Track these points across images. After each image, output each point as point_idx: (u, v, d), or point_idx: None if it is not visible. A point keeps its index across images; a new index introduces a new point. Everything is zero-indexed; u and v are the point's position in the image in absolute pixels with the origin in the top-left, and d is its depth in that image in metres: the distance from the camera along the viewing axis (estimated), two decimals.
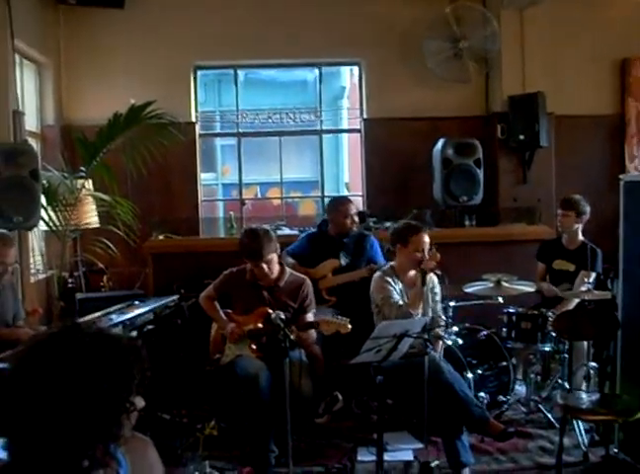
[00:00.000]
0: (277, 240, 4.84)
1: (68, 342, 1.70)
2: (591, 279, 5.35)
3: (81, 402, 1.64)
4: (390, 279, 4.93)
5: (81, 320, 4.40)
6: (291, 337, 3.89)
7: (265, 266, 4.72)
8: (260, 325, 4.71)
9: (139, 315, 4.64)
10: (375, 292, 4.96)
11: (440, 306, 5.14)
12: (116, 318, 4.44)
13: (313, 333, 4.83)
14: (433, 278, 5.04)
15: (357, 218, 6.05)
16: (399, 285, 4.94)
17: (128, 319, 4.48)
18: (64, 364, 1.66)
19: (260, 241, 4.67)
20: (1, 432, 1.70)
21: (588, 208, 5.78)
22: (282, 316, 4.16)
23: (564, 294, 5.42)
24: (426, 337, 4.12)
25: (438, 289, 5.11)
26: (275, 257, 4.79)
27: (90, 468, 1.69)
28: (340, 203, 6.11)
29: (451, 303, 5.36)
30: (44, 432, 1.64)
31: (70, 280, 6.64)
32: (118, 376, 1.70)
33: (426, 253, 4.84)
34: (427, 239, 4.90)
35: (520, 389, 5.55)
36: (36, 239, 6.57)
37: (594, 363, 4.84)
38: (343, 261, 5.91)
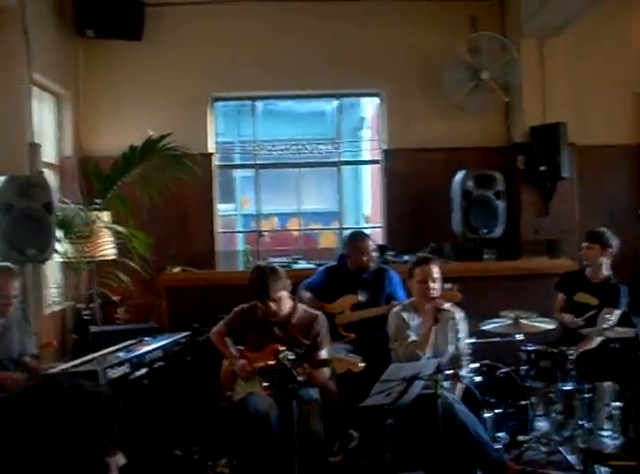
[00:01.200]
0: (286, 277, 4.75)
1: (41, 398, 1.62)
2: (613, 318, 5.17)
3: (54, 461, 1.56)
4: (406, 315, 4.82)
5: (84, 358, 4.35)
6: (299, 378, 3.80)
7: (272, 304, 4.64)
8: (271, 362, 4.60)
9: (148, 352, 4.56)
10: (390, 328, 4.87)
11: (464, 344, 4.94)
12: (123, 356, 4.37)
13: (327, 370, 4.73)
14: (457, 315, 4.89)
15: (375, 254, 5.95)
16: (416, 321, 4.81)
17: (136, 356, 4.41)
18: (34, 422, 1.57)
19: (267, 279, 4.59)
20: None
21: (614, 241, 5.64)
22: (291, 356, 4.06)
23: (586, 331, 5.25)
24: (440, 379, 4.00)
25: (462, 326, 4.93)
26: (284, 294, 4.70)
27: None
28: (358, 240, 6.00)
29: (469, 340, 5.22)
30: None
31: (85, 312, 6.64)
32: (93, 435, 1.61)
33: (432, 285, 4.69)
34: (434, 271, 4.75)
35: (542, 425, 5.38)
36: (51, 271, 6.53)
37: (618, 403, 4.68)
38: (361, 296, 5.80)
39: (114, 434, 1.65)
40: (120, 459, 1.71)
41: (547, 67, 7.33)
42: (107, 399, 1.68)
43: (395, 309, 4.97)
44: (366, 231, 8.11)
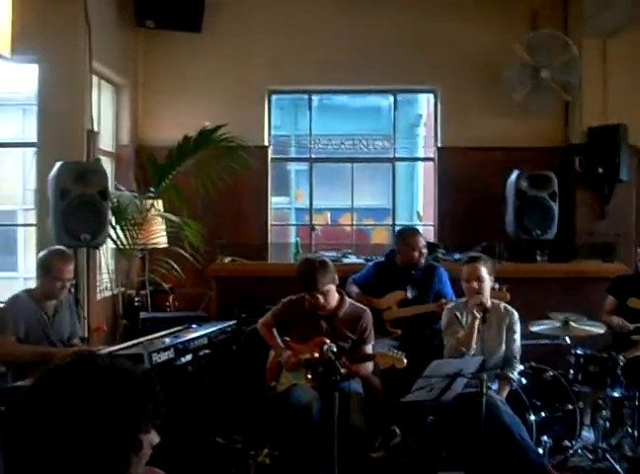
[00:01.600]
0: (335, 270, 4.76)
1: (79, 374, 1.66)
2: None
3: (86, 436, 1.59)
4: (458, 313, 4.79)
5: (131, 342, 4.42)
6: (342, 370, 3.79)
7: (320, 297, 4.65)
8: (316, 354, 4.62)
9: (193, 339, 4.60)
10: (442, 323, 4.86)
11: (518, 346, 4.87)
12: (169, 341, 4.42)
13: (370, 365, 4.73)
14: (514, 315, 4.84)
15: (425, 251, 5.91)
16: (466, 319, 4.77)
17: (181, 342, 4.45)
18: (72, 396, 1.61)
19: (315, 272, 4.61)
20: (7, 457, 1.66)
21: None
22: (335, 348, 4.06)
23: (637, 338, 5.14)
24: (483, 377, 3.96)
25: (517, 327, 4.86)
26: (332, 287, 4.71)
27: None
28: (408, 236, 5.98)
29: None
30: (49, 462, 1.59)
31: (136, 299, 6.74)
32: (127, 412, 1.64)
33: (475, 284, 4.64)
34: (480, 270, 4.70)
35: (588, 435, 5.29)
36: (104, 257, 6.66)
37: None
38: (410, 293, 5.79)
39: (148, 413, 1.68)
40: (155, 438, 1.73)
41: (608, 67, 7.18)
42: (142, 377, 1.71)
43: (449, 305, 4.96)
44: (418, 228, 8.11)
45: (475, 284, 4.64)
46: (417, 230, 6.30)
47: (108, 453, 1.61)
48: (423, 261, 5.88)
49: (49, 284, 4.63)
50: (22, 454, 1.62)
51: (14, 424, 1.64)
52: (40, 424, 1.60)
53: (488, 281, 4.69)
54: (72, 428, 1.59)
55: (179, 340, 4.47)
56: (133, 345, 4.31)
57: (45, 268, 4.61)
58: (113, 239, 6.42)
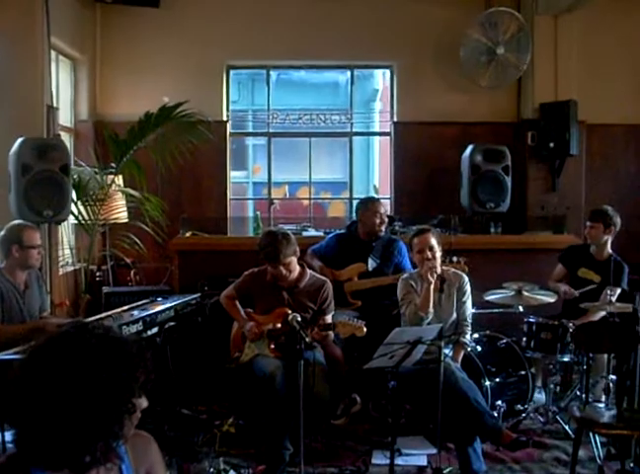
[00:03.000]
0: (297, 243, 4.85)
1: (75, 342, 1.76)
2: (614, 295, 5.24)
3: (84, 400, 1.70)
4: (413, 283, 4.94)
5: (100, 315, 4.49)
6: (307, 339, 3.91)
7: (282, 268, 4.76)
8: (279, 325, 4.74)
9: (160, 312, 4.70)
10: (398, 293, 4.99)
11: (468, 309, 5.00)
12: (137, 314, 4.51)
13: (331, 334, 4.86)
14: (463, 278, 5.01)
15: (386, 219, 6.01)
16: (421, 288, 4.91)
17: (149, 315, 4.54)
18: (69, 364, 1.72)
19: (278, 244, 4.68)
20: (10, 422, 1.78)
21: (618, 220, 5.66)
22: (299, 318, 4.17)
23: (586, 306, 5.34)
24: (441, 344, 4.12)
25: (467, 289, 4.99)
26: (294, 260, 4.81)
27: (91, 463, 1.76)
28: (370, 202, 6.08)
29: (472, 310, 5.33)
30: (48, 426, 1.70)
31: (98, 274, 6.78)
32: (121, 378, 1.75)
33: (429, 254, 4.79)
34: (431, 241, 4.80)
35: (540, 397, 5.53)
36: (65, 232, 6.67)
37: (613, 376, 4.80)
38: (370, 265, 5.88)
39: (139, 378, 1.80)
40: (144, 402, 1.85)
41: (559, 45, 7.38)
42: (135, 345, 1.83)
43: (404, 276, 5.08)
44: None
45: (428, 254, 4.78)
46: (378, 199, 6.44)
47: (104, 416, 1.73)
48: (383, 230, 5.97)
49: (25, 255, 4.62)
50: (24, 416, 1.73)
51: (13, 392, 1.74)
52: (41, 390, 1.70)
53: (438, 251, 4.84)
54: (71, 393, 1.69)
55: (147, 312, 4.57)
56: (103, 318, 4.38)
57: (16, 240, 4.59)
58: (74, 214, 6.43)
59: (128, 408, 1.77)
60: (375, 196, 9.15)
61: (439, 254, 4.83)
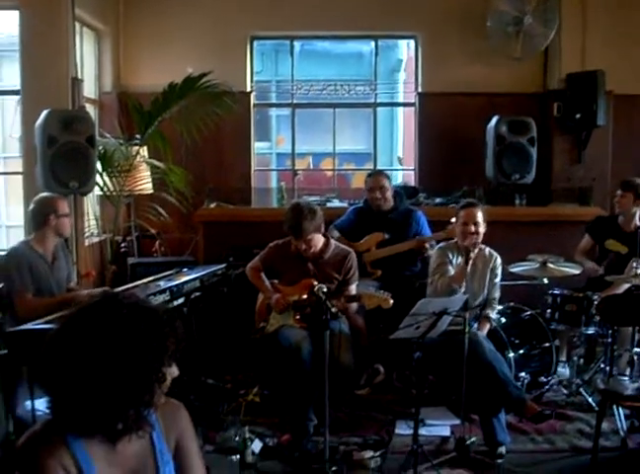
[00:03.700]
0: (322, 217, 4.82)
1: (107, 312, 1.79)
2: None
3: (115, 369, 1.74)
4: (450, 253, 4.94)
5: (128, 286, 4.54)
6: (333, 310, 3.93)
7: (303, 244, 4.76)
8: (304, 296, 4.76)
9: (186, 282, 4.73)
10: (432, 262, 5.00)
11: (497, 290, 5.04)
12: (163, 285, 4.55)
13: (354, 305, 4.89)
14: (496, 258, 5.00)
15: (388, 193, 5.95)
16: (457, 260, 4.92)
17: (175, 286, 4.57)
18: (101, 333, 1.75)
19: (302, 220, 4.66)
20: (45, 390, 1.83)
21: None
22: (325, 289, 4.19)
23: (611, 278, 5.31)
24: (467, 316, 4.13)
25: (499, 271, 5.02)
26: (315, 236, 4.78)
27: (124, 430, 1.81)
28: (367, 177, 6.12)
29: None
30: (82, 394, 1.74)
31: (123, 245, 6.83)
32: (151, 347, 1.78)
33: (472, 228, 4.79)
34: (477, 215, 4.83)
35: (563, 371, 5.51)
36: (90, 203, 6.72)
37: (638, 349, 4.78)
38: (387, 235, 5.90)
39: (170, 347, 1.83)
40: (175, 371, 1.88)
41: (587, 14, 7.25)
42: (164, 314, 1.85)
43: (440, 245, 5.08)
44: (399, 173, 8.20)
45: (472, 228, 4.79)
46: (379, 171, 6.41)
47: (135, 385, 1.76)
48: (387, 202, 5.95)
49: (60, 224, 4.67)
50: (58, 385, 1.77)
51: (47, 361, 1.78)
52: (74, 360, 1.74)
53: (482, 226, 4.84)
54: (103, 362, 1.73)
55: (173, 283, 4.60)
56: (130, 288, 4.43)
57: (51, 210, 4.63)
58: (99, 186, 6.48)
59: (159, 377, 1.81)
60: (399, 167, 9.15)
61: (482, 229, 4.84)
